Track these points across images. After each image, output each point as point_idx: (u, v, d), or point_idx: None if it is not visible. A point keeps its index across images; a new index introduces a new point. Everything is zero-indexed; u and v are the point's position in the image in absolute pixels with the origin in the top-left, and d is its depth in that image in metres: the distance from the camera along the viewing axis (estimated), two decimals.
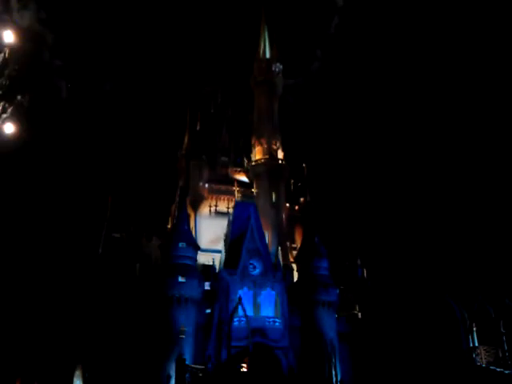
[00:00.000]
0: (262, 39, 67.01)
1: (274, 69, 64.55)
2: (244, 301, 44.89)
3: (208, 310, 46.25)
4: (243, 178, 60.86)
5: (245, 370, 44.51)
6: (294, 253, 55.84)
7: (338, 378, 45.57)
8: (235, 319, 44.64)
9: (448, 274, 50.35)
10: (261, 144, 61.01)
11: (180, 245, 46.91)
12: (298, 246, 55.29)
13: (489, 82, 67.82)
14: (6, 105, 30.01)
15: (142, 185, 56.49)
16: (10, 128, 30.45)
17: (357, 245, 58.39)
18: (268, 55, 66.03)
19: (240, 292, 46.03)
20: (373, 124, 74.95)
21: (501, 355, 43.90)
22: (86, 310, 46.01)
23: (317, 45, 77.82)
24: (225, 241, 51.14)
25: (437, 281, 50.90)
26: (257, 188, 57.44)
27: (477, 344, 45.71)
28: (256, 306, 46.55)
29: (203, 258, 50.47)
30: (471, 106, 68.35)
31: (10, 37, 30.04)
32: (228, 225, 51.88)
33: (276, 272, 48.53)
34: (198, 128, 63.29)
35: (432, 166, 65.54)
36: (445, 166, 64.60)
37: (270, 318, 46.40)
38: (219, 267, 48.99)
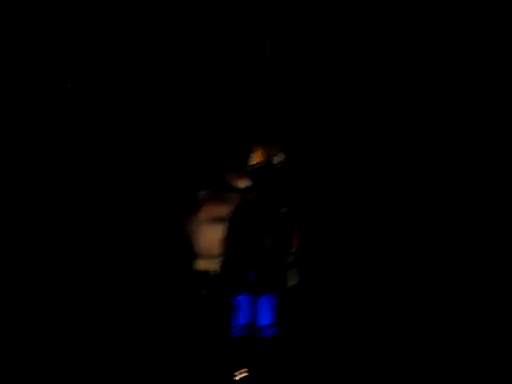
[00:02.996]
0: (263, 34, 66.85)
1: (274, 64, 64.34)
2: (241, 306, 44.66)
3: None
4: (241, 182, 60.74)
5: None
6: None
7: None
8: (233, 330, 44.33)
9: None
10: (260, 146, 60.83)
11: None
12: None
13: (489, 81, 66.80)
14: None
15: (140, 188, 56.55)
16: None
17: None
18: (269, 51, 65.90)
19: (237, 298, 45.83)
20: (376, 121, 74.25)
21: None
22: (88, 303, 46.00)
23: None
24: (222, 245, 50.96)
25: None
26: (255, 192, 57.25)
27: None
28: (253, 313, 46.26)
29: (200, 264, 50.44)
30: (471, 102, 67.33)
31: None
32: (225, 229, 51.71)
33: (274, 276, 48.35)
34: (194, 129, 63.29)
35: (440, 160, 64.50)
36: (454, 157, 63.49)
37: (268, 326, 46.05)
38: (216, 272, 48.83)
